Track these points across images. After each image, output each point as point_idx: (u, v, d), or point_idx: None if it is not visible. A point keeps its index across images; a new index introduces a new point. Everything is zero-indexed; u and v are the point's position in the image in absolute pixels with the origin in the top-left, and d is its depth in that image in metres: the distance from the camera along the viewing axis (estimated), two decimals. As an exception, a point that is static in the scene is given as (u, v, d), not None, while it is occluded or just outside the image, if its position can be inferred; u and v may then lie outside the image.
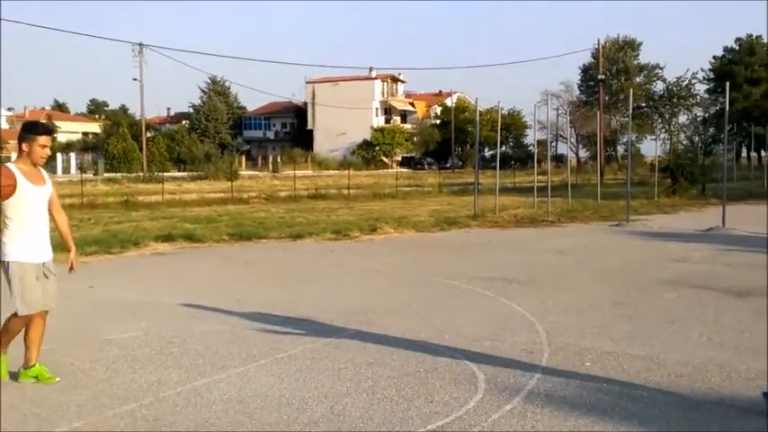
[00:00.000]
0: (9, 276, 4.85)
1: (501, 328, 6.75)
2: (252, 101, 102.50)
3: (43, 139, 4.94)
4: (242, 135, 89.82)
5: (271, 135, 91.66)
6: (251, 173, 56.21)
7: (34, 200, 4.91)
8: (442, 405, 4.59)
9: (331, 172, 59.99)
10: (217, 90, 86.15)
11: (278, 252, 12.79)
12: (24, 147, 4.90)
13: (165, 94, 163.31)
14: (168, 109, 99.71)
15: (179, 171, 53.93)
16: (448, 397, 4.75)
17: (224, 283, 9.48)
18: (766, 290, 5.59)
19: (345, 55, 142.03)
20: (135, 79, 55.30)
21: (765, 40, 70.49)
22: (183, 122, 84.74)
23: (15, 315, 4.93)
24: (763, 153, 72.26)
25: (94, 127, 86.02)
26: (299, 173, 44.80)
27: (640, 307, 7.70)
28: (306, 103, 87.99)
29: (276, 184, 38.53)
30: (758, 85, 75.10)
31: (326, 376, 5.23)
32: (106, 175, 46.44)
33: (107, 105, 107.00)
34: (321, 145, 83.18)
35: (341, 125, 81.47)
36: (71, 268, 5.21)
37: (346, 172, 43.98)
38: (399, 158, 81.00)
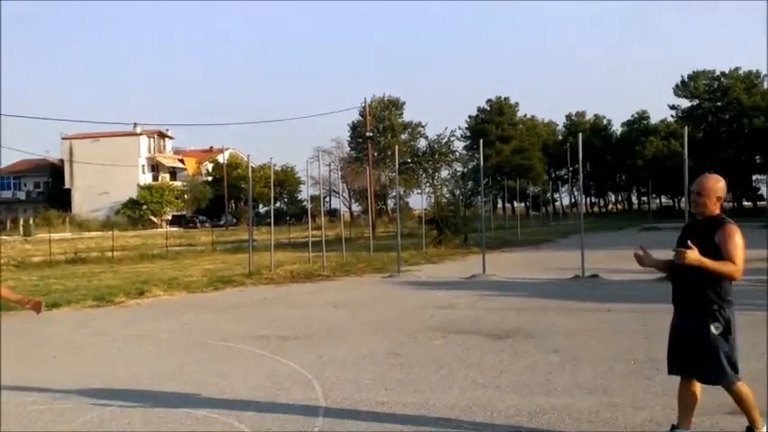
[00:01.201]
0: None
1: (277, 387, 6.60)
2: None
3: None
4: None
5: (22, 196, 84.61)
6: (-1, 237, 51.29)
7: None
8: (214, 477, 4.33)
9: (93, 234, 56.52)
10: (-43, 147, 78.17)
11: (30, 323, 11.60)
12: None
13: None
14: None
15: None
16: (220, 467, 4.50)
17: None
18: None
19: (105, 110, 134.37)
20: None
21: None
22: None
23: None
24: (515, 204, 79.76)
25: None
26: (55, 236, 41.48)
27: (412, 355, 7.93)
28: (62, 161, 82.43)
29: (28, 249, 35.43)
30: (508, 143, 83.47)
31: (84, 459, 4.75)
32: None
33: None
34: (81, 205, 78.13)
35: (103, 183, 77.03)
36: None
37: (110, 233, 41.62)
38: (170, 217, 78.27)
